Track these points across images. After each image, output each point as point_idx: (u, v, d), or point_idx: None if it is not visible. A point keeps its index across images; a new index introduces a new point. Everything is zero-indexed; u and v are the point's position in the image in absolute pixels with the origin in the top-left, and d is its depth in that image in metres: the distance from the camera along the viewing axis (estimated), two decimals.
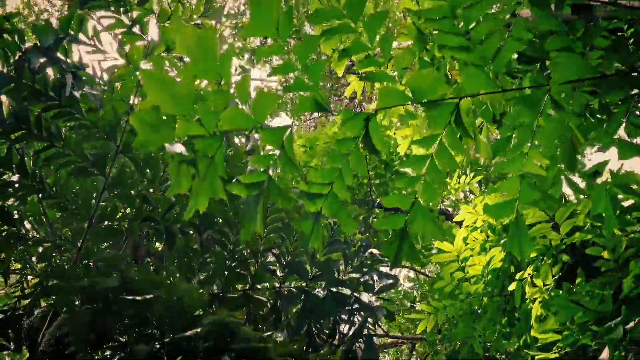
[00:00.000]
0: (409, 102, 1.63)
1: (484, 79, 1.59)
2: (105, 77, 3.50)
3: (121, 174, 3.70)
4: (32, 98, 3.36)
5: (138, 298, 2.03)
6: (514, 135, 1.71)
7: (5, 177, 3.51)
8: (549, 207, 1.61)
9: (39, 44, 3.12)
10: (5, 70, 3.31)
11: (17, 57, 3.25)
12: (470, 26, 1.66)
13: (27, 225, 3.86)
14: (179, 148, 1.21)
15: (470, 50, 1.61)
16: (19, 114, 3.36)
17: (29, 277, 4.51)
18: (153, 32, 3.46)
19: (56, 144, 3.51)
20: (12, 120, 3.37)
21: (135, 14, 3.33)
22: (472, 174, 4.82)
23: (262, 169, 1.45)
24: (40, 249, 3.94)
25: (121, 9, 3.25)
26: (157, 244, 4.62)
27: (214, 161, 1.36)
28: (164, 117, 1.22)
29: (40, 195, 3.67)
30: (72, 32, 3.26)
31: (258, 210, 1.30)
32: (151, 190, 3.81)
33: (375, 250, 3.03)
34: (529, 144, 1.62)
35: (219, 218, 3.93)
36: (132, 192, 3.78)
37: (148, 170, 3.68)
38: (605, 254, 2.56)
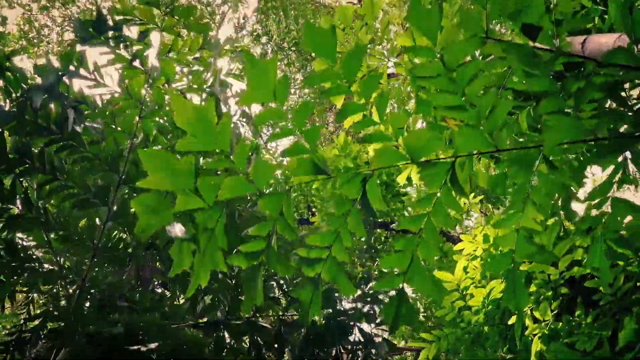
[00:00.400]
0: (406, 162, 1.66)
1: (479, 138, 1.62)
2: (106, 109, 3.53)
3: (124, 204, 3.73)
4: (35, 133, 3.41)
5: (143, 349, 2.06)
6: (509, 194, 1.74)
7: (10, 210, 3.55)
8: (545, 260, 1.63)
9: (40, 82, 3.15)
10: (7, 107, 3.35)
11: (19, 94, 3.30)
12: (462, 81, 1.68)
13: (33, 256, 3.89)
14: (179, 228, 1.24)
15: (464, 109, 1.64)
16: (22, 149, 3.40)
17: (35, 296, 4.58)
18: (155, 41, 3.49)
19: (59, 177, 3.55)
20: (16, 155, 3.41)
21: (135, 48, 3.36)
22: (472, 194, 4.85)
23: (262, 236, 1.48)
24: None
25: (121, 44, 3.29)
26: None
27: (214, 233, 1.39)
28: (164, 198, 1.25)
29: (45, 227, 3.71)
30: (73, 68, 3.30)
31: (259, 282, 1.33)
32: None
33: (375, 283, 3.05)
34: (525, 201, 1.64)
35: None
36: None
37: None
38: (603, 288, 2.58)
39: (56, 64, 3.40)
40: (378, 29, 3.19)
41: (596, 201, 1.60)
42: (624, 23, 1.56)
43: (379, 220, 5.54)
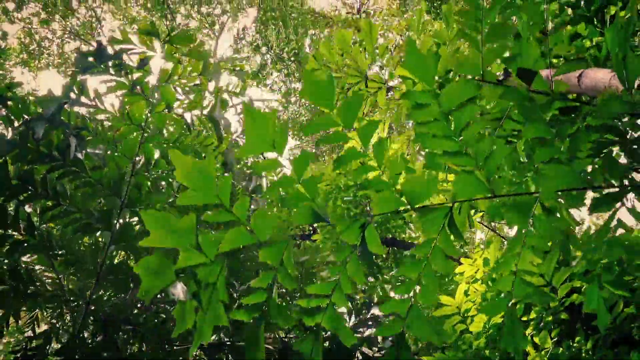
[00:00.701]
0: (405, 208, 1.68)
1: (476, 185, 1.64)
2: (107, 134, 3.57)
3: (127, 227, 3.76)
4: (37, 160, 3.44)
5: None
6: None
7: (14, 236, 3.58)
8: (542, 301, 1.66)
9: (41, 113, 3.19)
10: (10, 135, 3.39)
11: (21, 122, 3.34)
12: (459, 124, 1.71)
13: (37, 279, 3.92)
14: (180, 289, 1.26)
15: (462, 155, 1.66)
16: (25, 176, 3.43)
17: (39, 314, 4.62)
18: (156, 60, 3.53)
19: (62, 202, 3.58)
20: (19, 182, 3.45)
21: (136, 75, 3.40)
22: (473, 211, 4.85)
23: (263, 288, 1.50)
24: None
25: (122, 72, 3.32)
26: None
27: (215, 288, 1.41)
28: (165, 259, 1.27)
29: (48, 252, 3.74)
30: (74, 96, 3.34)
31: (261, 342, 1.36)
32: None
33: (376, 310, 3.08)
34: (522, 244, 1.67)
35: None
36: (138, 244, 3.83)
37: None
38: None
39: (56, 77, 3.44)
40: (377, 51, 3.21)
41: (592, 246, 1.62)
42: (617, 69, 1.58)
43: (383, 238, 5.57)
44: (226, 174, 3.81)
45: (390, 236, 5.50)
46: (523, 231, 1.60)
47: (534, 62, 1.71)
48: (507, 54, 1.73)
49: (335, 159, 1.67)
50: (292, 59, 11.70)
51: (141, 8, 15.43)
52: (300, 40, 11.10)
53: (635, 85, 1.51)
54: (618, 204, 1.52)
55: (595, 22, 3.34)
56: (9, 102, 3.29)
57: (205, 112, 3.54)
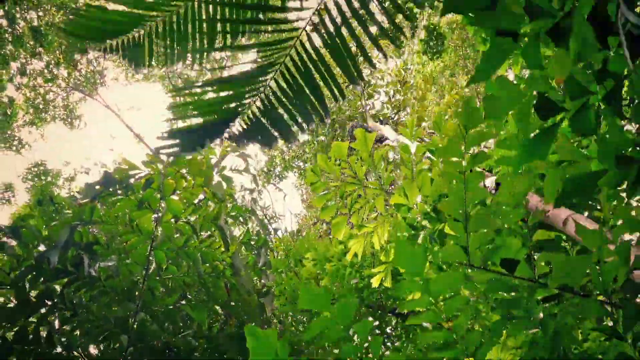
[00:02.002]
0: None
1: None
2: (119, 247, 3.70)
3: (143, 328, 3.90)
4: (54, 277, 3.59)
5: None
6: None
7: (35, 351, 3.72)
8: None
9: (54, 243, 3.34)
10: (24, 257, 3.54)
11: (35, 247, 3.50)
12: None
13: None
14: None
15: (453, 347, 1.76)
16: (44, 294, 3.58)
17: None
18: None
19: (80, 313, 3.72)
20: (37, 299, 3.59)
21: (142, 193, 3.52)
22: None
23: None
24: None
25: (129, 192, 3.45)
26: None
27: None
28: None
29: None
30: (85, 218, 3.49)
31: None
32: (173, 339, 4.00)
33: None
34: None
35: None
36: (155, 343, 3.97)
37: (167, 324, 3.87)
38: None
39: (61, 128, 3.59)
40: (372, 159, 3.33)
41: None
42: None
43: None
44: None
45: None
46: None
47: (516, 252, 1.82)
48: (490, 246, 1.82)
49: None
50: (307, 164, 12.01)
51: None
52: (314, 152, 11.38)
53: None
54: None
55: None
56: (23, 229, 3.44)
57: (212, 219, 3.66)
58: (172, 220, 3.67)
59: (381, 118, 11.54)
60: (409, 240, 2.64)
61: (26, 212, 5.45)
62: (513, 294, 1.82)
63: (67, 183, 15.37)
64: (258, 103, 1.90)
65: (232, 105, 1.86)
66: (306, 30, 1.94)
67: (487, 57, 1.16)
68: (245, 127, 1.80)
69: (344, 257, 5.11)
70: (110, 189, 3.42)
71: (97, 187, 3.31)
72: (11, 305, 3.77)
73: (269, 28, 2.10)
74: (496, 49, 1.14)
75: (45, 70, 13.52)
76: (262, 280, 5.29)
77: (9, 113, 13.44)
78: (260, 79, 1.93)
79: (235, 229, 6.10)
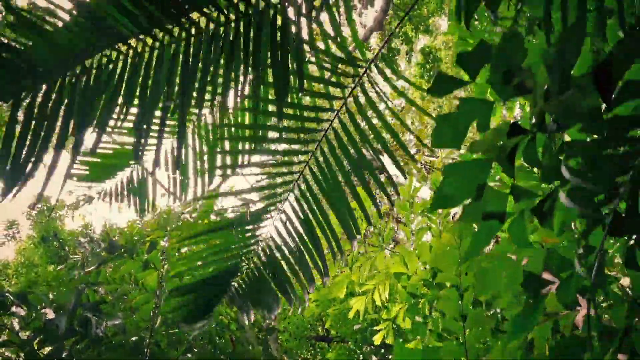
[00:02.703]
0: None
1: None
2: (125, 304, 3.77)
3: None
4: (62, 339, 3.66)
5: None
6: None
7: None
8: None
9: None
10: (31, 319, 3.62)
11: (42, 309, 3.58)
12: None
13: None
14: None
15: None
16: (53, 354, 3.66)
17: None
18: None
19: None
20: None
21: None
22: None
23: None
24: None
25: (133, 254, 3.52)
26: None
27: None
28: None
29: None
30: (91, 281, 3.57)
31: None
32: None
33: None
34: None
35: None
36: None
37: None
38: None
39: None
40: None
41: None
42: None
43: None
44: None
45: None
46: None
47: None
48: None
49: None
50: None
51: None
52: None
53: None
54: None
55: None
56: (30, 296, 3.52)
57: None
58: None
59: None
60: (410, 310, 2.74)
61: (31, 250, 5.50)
62: None
63: (71, 212, 15.31)
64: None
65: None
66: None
67: (475, 239, 1.24)
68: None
69: (346, 301, 5.19)
70: (116, 254, 3.50)
71: (103, 254, 3.39)
72: None
73: None
74: (483, 232, 1.23)
75: None
76: (267, 320, 5.37)
77: None
78: None
79: None
